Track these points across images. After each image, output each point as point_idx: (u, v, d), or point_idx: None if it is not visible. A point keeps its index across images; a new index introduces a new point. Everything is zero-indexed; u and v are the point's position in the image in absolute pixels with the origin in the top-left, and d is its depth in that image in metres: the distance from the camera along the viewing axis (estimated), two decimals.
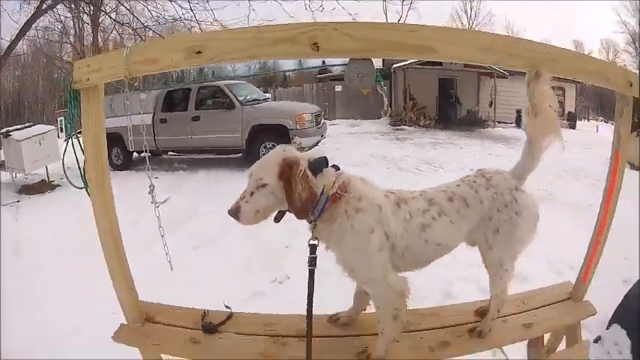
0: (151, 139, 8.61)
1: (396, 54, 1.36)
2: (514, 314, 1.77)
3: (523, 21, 50.18)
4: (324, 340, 1.54)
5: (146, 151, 1.78)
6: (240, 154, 8.49)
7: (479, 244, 1.53)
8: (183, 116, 8.50)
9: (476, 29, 20.34)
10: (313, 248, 1.36)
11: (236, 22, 6.82)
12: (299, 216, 1.33)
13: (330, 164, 1.41)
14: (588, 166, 8.82)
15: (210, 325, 1.60)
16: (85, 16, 13.93)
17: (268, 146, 7.78)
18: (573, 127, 18.32)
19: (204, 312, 1.67)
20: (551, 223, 3.87)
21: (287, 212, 1.40)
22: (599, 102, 36.12)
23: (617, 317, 2.51)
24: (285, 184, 1.31)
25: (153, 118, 8.72)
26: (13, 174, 7.94)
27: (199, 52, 1.23)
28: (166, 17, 6.69)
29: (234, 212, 1.33)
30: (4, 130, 8.34)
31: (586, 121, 23.80)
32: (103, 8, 7.87)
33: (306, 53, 1.24)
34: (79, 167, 1.77)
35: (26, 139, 7.78)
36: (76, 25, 15.50)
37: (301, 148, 7.66)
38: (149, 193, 1.75)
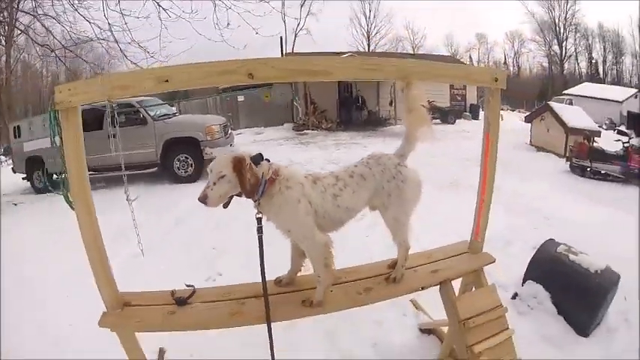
0: None
1: (305, 78, 2.00)
2: (422, 265, 2.33)
3: (423, 20, 53.72)
4: (274, 297, 1.97)
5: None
6: (155, 169, 8.60)
7: (378, 207, 2.07)
8: (100, 134, 8.31)
9: (359, 55, 21.55)
10: (259, 220, 1.88)
11: (149, 43, 6.86)
12: (248, 196, 1.82)
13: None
14: None
15: (181, 298, 1.97)
16: None
17: (181, 159, 8.23)
18: (476, 117, 20.04)
19: (173, 291, 2.03)
20: (456, 204, 4.73)
21: (236, 196, 1.87)
22: (504, 94, 40.10)
23: (529, 275, 3.26)
24: (238, 174, 1.78)
25: None
26: None
27: (167, 80, 1.64)
28: (83, 37, 6.51)
29: (203, 198, 1.78)
30: None
31: None
32: (17, 26, 7.45)
33: (244, 80, 1.70)
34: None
35: None
36: None
37: (212, 158, 8.07)
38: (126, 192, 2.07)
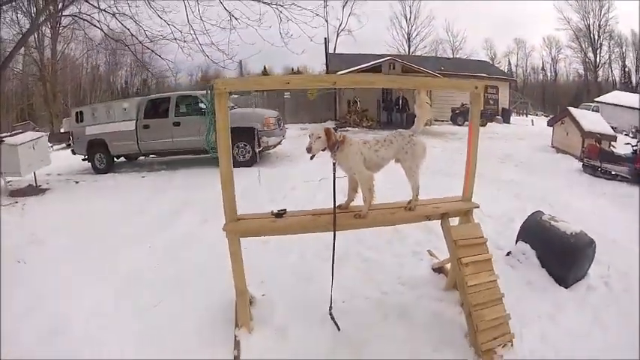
0: (134, 143, 9.73)
1: (362, 86, 3.14)
2: (429, 204, 3.44)
3: (464, 23, 53.54)
4: (338, 215, 3.14)
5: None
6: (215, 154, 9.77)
7: (400, 160, 3.24)
8: (165, 122, 9.64)
9: (398, 57, 22.32)
10: (334, 165, 3.07)
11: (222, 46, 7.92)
12: (330, 149, 3.01)
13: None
14: (515, 153, 11.29)
15: (279, 212, 3.18)
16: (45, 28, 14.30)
17: (240, 146, 9.20)
18: (507, 121, 20.97)
19: (272, 211, 3.24)
20: (479, 191, 5.84)
21: (321, 151, 3.05)
22: (541, 98, 39.51)
23: (520, 237, 4.33)
24: (327, 136, 2.98)
25: (136, 124, 9.80)
26: (4, 179, 8.34)
27: (288, 82, 2.83)
28: (159, 35, 7.70)
29: (309, 149, 3.00)
30: None
31: (525, 116, 26.58)
32: (91, 21, 8.54)
33: (330, 86, 2.96)
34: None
35: (22, 143, 8.25)
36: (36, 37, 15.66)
37: (268, 146, 9.19)
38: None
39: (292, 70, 42.36)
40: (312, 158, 3.08)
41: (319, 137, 3.00)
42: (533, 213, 4.58)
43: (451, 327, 3.32)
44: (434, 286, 3.90)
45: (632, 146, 9.36)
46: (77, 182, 9.31)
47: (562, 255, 4.00)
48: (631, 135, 17.42)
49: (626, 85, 37.72)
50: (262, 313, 3.39)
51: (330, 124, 17.80)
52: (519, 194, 6.89)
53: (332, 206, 3.16)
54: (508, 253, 4.45)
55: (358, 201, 3.28)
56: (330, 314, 3.31)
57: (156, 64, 11.95)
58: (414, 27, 42.80)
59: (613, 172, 9.06)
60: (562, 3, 40.61)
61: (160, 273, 4.33)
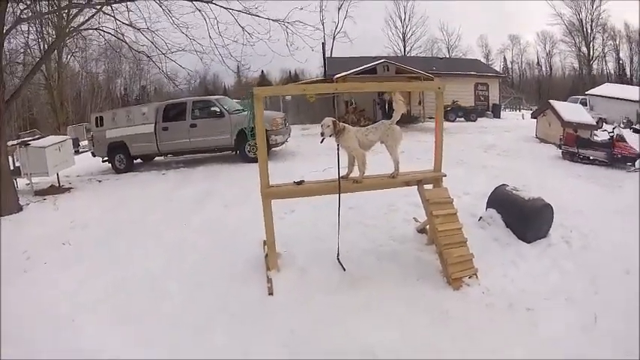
0: (154, 144, 10.79)
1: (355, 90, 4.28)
2: (409, 174, 4.54)
3: (458, 21, 54.00)
4: (342, 182, 4.26)
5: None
6: (228, 152, 10.82)
7: (384, 141, 4.39)
8: (183, 124, 10.62)
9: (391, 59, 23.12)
10: (338, 146, 4.20)
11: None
12: (336, 135, 4.16)
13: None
14: (500, 144, 12.23)
15: (299, 182, 4.31)
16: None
17: (252, 144, 9.92)
18: (498, 116, 22.06)
19: (294, 181, 4.33)
20: (461, 175, 6.89)
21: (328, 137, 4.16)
22: (537, 93, 39.88)
23: (488, 205, 5.42)
24: (334, 125, 4.13)
25: (155, 127, 10.79)
26: (31, 179, 8.85)
27: (304, 89, 3.94)
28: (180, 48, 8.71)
29: (322, 135, 4.13)
30: (19, 141, 9.71)
31: (517, 111, 27.53)
32: (122, 38, 9.52)
33: (333, 91, 3.98)
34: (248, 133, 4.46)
35: (50, 145, 8.91)
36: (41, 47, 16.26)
37: (277, 143, 10.17)
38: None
39: (289, 72, 44.01)
40: (322, 142, 4.21)
41: (329, 126, 4.18)
42: (499, 185, 5.56)
43: (430, 267, 4.40)
44: (418, 241, 5.00)
45: (609, 132, 10.34)
46: (100, 181, 9.98)
47: (521, 215, 4.98)
48: (622, 125, 18.33)
49: (621, 78, 38.37)
50: (286, 262, 4.49)
51: None
52: (498, 176, 7.72)
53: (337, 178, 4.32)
54: (480, 219, 5.44)
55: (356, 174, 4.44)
56: (338, 259, 4.41)
57: (154, 71, 12.83)
58: (408, 27, 43.45)
59: (591, 158, 9.91)
60: None
61: (199, 243, 5.37)
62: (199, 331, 3.64)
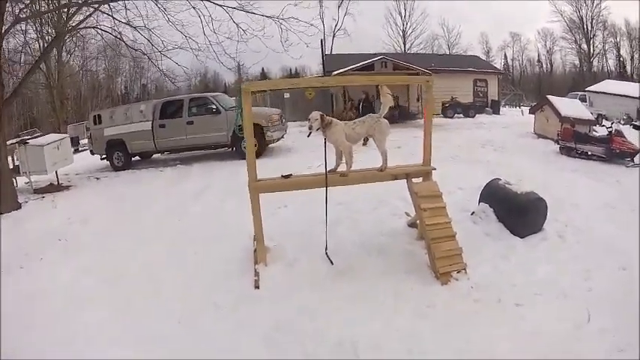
0: (151, 141, 10.81)
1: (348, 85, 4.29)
2: (398, 167, 4.53)
3: (458, 18, 53.87)
4: (329, 175, 4.27)
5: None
6: (224, 148, 10.86)
7: (371, 134, 4.38)
8: (180, 122, 10.65)
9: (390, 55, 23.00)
10: (325, 140, 4.22)
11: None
12: (323, 128, 4.14)
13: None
14: (497, 139, 12.14)
15: (287, 175, 4.31)
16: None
17: None
18: (497, 112, 21.90)
19: (282, 175, 4.32)
20: (456, 170, 6.81)
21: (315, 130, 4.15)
22: (538, 90, 39.68)
23: (481, 199, 5.43)
24: (321, 119, 4.11)
25: (152, 124, 10.80)
26: (30, 178, 8.92)
27: (293, 84, 4.02)
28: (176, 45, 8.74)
29: (309, 127, 4.13)
30: (19, 139, 9.83)
31: (517, 107, 27.11)
32: (119, 37, 9.54)
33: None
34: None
35: (48, 144, 8.96)
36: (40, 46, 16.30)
37: (272, 140, 10.21)
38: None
39: (290, 71, 43.81)
40: (309, 135, 4.23)
41: (316, 119, 4.18)
42: (491, 180, 5.52)
43: (418, 261, 4.39)
44: (408, 236, 4.98)
45: (607, 128, 10.27)
46: (98, 179, 10.09)
47: (513, 209, 4.95)
48: (622, 122, 18.22)
49: (622, 75, 38.09)
50: (275, 255, 4.48)
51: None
52: (494, 171, 7.65)
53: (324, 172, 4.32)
54: (472, 213, 5.41)
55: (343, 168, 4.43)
56: (326, 253, 4.41)
57: (154, 69, 12.91)
58: (408, 24, 43.00)
59: (589, 153, 9.79)
60: None
61: (194, 237, 5.40)
62: (186, 321, 3.69)
